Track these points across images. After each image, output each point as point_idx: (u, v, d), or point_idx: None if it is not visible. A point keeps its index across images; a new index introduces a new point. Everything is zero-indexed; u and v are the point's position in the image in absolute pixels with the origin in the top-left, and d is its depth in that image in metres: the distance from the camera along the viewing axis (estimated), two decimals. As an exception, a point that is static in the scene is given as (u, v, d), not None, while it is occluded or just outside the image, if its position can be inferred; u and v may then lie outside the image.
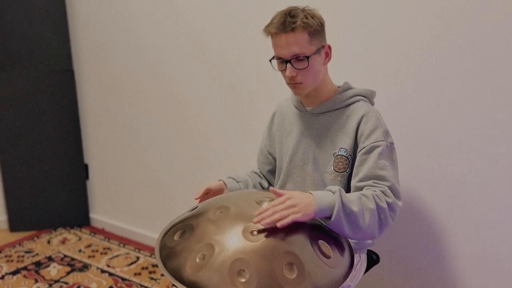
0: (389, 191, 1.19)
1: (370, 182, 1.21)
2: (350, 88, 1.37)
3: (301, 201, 1.04)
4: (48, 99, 2.74)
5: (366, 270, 1.50)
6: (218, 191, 1.40)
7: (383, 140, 1.25)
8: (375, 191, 1.17)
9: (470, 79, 1.50)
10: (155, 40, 2.37)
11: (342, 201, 1.09)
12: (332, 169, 1.33)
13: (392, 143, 1.29)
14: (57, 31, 2.66)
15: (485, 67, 1.47)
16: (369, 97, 1.38)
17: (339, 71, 1.78)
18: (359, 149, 1.28)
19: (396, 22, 1.61)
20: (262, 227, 1.00)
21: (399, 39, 1.61)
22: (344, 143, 1.31)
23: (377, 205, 1.14)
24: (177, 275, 0.97)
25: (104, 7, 2.53)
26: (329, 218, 1.08)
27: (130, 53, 2.50)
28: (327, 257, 1.02)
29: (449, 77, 1.54)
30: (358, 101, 1.34)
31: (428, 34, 1.55)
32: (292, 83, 1.29)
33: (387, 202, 1.16)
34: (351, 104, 1.34)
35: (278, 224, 0.99)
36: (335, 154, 1.32)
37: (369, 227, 1.12)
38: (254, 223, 1.01)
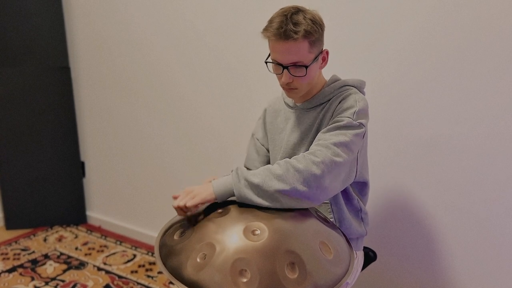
0: (320, 151, 1.15)
1: (313, 146, 1.19)
2: (337, 79, 1.35)
3: (196, 189, 1.16)
4: (44, 96, 2.72)
5: (364, 267, 1.51)
6: None
7: (349, 118, 1.22)
8: (305, 153, 1.16)
9: (471, 79, 1.51)
10: (152, 36, 2.36)
11: (238, 177, 1.13)
12: None
13: (361, 124, 1.22)
14: (54, 28, 2.64)
15: (485, 67, 1.48)
16: (358, 86, 1.34)
17: (338, 70, 1.78)
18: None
19: (392, 18, 1.62)
20: (264, 226, 1.02)
21: (398, 36, 1.62)
22: None
23: (294, 166, 1.11)
24: (177, 274, 0.97)
25: (101, 3, 2.51)
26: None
27: (127, 50, 2.48)
28: (328, 256, 1.02)
29: (449, 76, 1.55)
30: (347, 90, 1.31)
31: (426, 33, 1.56)
32: (287, 88, 1.28)
33: (312, 161, 1.12)
34: (338, 94, 1.31)
35: (180, 212, 1.16)
36: None
37: (291, 189, 1.09)
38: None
